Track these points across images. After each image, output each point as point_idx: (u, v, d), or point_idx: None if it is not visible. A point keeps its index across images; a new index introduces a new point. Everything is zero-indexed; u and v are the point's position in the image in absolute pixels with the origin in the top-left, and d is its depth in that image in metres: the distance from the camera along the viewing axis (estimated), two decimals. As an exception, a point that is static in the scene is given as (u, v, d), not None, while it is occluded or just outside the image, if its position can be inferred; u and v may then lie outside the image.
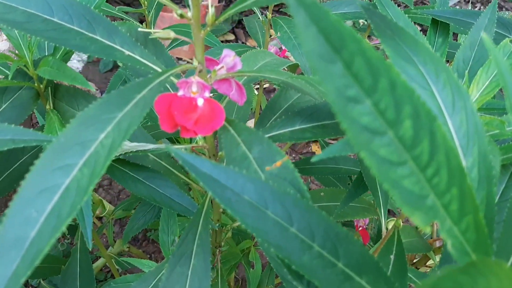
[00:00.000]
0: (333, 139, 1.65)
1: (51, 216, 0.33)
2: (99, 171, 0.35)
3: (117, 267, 1.08)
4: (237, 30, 2.53)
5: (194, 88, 0.47)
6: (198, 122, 0.46)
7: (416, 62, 0.37)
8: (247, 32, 2.28)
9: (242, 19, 1.12)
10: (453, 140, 0.35)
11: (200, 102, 0.47)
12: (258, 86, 1.08)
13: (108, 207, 1.02)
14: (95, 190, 1.61)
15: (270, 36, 0.98)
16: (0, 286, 0.30)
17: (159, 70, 0.51)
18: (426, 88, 0.36)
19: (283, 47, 0.99)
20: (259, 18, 1.00)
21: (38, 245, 0.32)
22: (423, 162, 0.27)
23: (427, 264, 0.96)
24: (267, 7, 0.92)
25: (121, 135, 0.37)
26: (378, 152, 0.26)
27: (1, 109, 0.63)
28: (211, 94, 0.49)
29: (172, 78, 0.49)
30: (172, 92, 0.59)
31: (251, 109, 0.94)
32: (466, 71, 0.53)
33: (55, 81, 0.68)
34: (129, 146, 0.55)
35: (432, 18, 0.71)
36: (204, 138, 0.58)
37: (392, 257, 0.54)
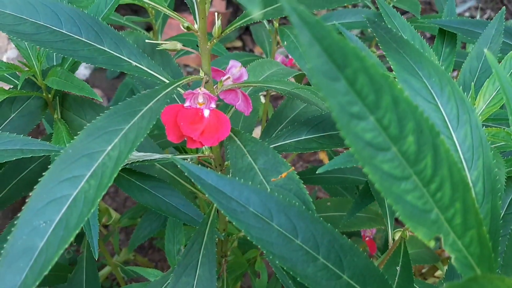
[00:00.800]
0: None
1: (59, 227, 0.33)
2: (106, 183, 0.35)
3: (122, 275, 1.08)
4: (245, 36, 2.53)
5: (200, 99, 0.47)
6: (204, 133, 0.46)
7: (421, 75, 0.37)
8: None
9: (250, 26, 1.12)
10: (458, 153, 0.35)
11: (206, 113, 0.47)
12: (265, 93, 1.08)
13: (115, 215, 1.02)
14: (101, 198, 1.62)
15: (277, 44, 0.98)
16: (8, 296, 0.31)
17: (166, 80, 0.52)
18: (431, 101, 0.36)
19: (290, 56, 1.00)
20: (266, 27, 1.00)
21: (47, 255, 0.32)
22: (426, 177, 0.27)
23: (435, 274, 0.95)
24: (274, 16, 0.92)
25: (128, 146, 0.37)
26: (382, 167, 0.26)
27: (10, 118, 0.63)
28: (218, 103, 0.50)
29: (179, 89, 0.50)
30: (178, 102, 0.59)
31: (258, 117, 0.94)
32: (473, 82, 0.53)
33: (63, 91, 0.69)
34: (135, 156, 0.55)
35: (440, 27, 0.71)
36: (211, 148, 0.58)
37: (398, 268, 0.54)
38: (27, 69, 0.63)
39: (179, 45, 0.49)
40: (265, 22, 0.98)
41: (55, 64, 0.70)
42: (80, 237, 0.99)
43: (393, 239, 0.63)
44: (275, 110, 0.74)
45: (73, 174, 0.35)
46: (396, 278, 0.52)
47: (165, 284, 0.64)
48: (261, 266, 0.90)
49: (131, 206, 1.40)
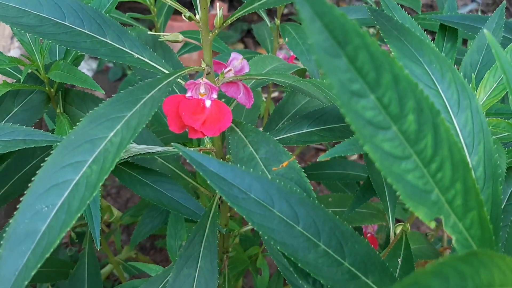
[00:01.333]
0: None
1: (61, 210, 0.33)
2: (108, 167, 0.35)
3: (125, 275, 1.08)
4: (247, 39, 2.54)
5: (202, 90, 0.47)
6: (206, 123, 0.47)
7: (422, 61, 0.38)
8: (256, 41, 2.29)
9: (252, 29, 1.13)
10: (459, 138, 0.35)
11: (208, 103, 0.47)
12: (266, 95, 1.09)
13: (116, 213, 1.02)
14: (104, 197, 1.62)
15: (278, 43, 0.99)
16: (10, 278, 0.31)
17: (168, 72, 0.52)
18: (432, 87, 0.36)
19: (291, 53, 1.00)
20: (267, 25, 1.01)
21: (49, 239, 0.32)
22: (427, 157, 0.27)
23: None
24: (276, 14, 0.93)
25: (130, 133, 0.37)
26: (382, 146, 0.26)
27: (13, 112, 0.64)
28: (222, 100, 0.50)
29: (180, 80, 0.50)
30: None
31: (259, 114, 0.94)
32: (474, 74, 0.53)
33: (65, 86, 0.69)
34: (137, 148, 0.55)
35: (440, 23, 0.72)
36: (212, 141, 0.58)
37: (399, 260, 0.54)
38: (30, 63, 0.63)
39: (180, 37, 0.49)
40: (267, 20, 0.98)
41: (57, 59, 0.70)
42: (82, 236, 1.00)
43: (395, 233, 0.63)
44: (277, 105, 0.74)
45: (76, 160, 0.36)
46: (398, 270, 0.52)
47: (167, 278, 0.64)
48: (263, 263, 0.90)
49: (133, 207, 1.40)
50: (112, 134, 0.37)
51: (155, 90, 0.41)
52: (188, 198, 0.66)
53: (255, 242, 0.94)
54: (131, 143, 0.52)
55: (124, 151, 0.36)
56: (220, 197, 0.65)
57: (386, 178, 0.27)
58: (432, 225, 0.28)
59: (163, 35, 0.49)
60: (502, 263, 0.25)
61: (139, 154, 0.56)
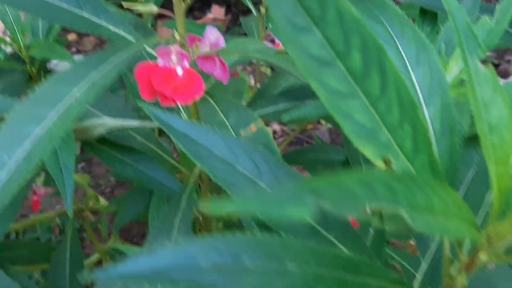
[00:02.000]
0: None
1: (23, 160, 0.34)
2: (70, 121, 0.36)
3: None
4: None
5: (174, 58, 0.48)
6: (177, 89, 0.47)
7: (383, 21, 0.38)
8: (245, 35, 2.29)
9: (240, 23, 1.14)
10: (416, 92, 0.35)
11: (180, 71, 0.48)
12: (253, 83, 1.10)
13: (103, 202, 1.03)
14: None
15: (264, 33, 1.00)
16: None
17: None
18: (391, 44, 0.37)
19: (276, 41, 1.01)
20: (255, 17, 1.01)
21: (9, 187, 0.33)
22: (373, 96, 0.28)
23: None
24: (261, 3, 0.93)
25: (95, 90, 0.38)
26: (328, 82, 0.27)
27: (-6, 90, 0.64)
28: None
29: (151, 51, 0.51)
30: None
31: (243, 100, 0.95)
32: (443, 49, 0.54)
33: (48, 67, 0.70)
34: (113, 121, 0.56)
35: (421, 8, 0.73)
36: (188, 115, 0.58)
37: (371, 230, 0.54)
38: (11, 42, 0.64)
39: (154, 8, 0.50)
40: (253, 10, 0.99)
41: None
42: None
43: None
44: (259, 88, 0.75)
45: (40, 114, 0.36)
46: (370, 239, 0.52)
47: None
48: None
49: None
50: (76, 89, 0.37)
51: (123, 52, 0.42)
52: (168, 177, 0.66)
53: (240, 227, 0.94)
54: (101, 115, 0.53)
55: (88, 104, 0.37)
56: (200, 176, 0.66)
57: (334, 116, 0.27)
58: (380, 164, 0.29)
59: (137, 5, 0.50)
60: (445, 194, 0.25)
61: (116, 128, 0.57)
